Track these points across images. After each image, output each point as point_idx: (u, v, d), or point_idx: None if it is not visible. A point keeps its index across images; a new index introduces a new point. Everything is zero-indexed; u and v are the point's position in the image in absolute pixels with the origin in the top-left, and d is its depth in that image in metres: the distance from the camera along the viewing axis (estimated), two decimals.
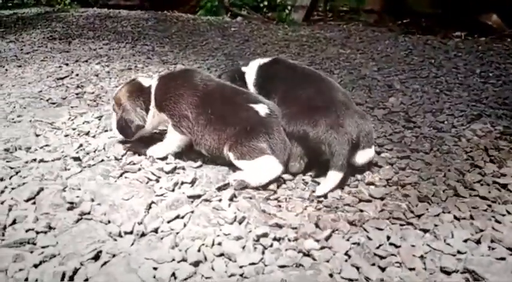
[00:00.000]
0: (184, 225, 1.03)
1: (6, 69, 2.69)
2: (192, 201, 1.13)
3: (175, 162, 1.34)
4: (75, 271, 0.87)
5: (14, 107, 1.91)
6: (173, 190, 1.19)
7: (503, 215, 1.07)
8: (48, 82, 2.38)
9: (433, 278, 0.85)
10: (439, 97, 2.04)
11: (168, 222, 1.04)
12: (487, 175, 1.27)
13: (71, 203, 1.11)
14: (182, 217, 1.06)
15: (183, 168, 1.31)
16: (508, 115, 1.78)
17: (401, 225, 1.04)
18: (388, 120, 1.73)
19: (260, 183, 1.20)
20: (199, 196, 1.14)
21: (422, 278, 0.85)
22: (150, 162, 1.35)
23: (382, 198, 1.15)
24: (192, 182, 1.23)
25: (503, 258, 0.90)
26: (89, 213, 1.07)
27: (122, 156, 1.39)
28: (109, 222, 1.04)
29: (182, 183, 1.22)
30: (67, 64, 2.84)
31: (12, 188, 1.20)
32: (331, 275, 0.86)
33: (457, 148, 1.47)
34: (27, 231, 1.01)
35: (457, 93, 2.09)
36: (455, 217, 1.06)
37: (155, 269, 0.88)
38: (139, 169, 1.31)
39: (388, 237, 0.98)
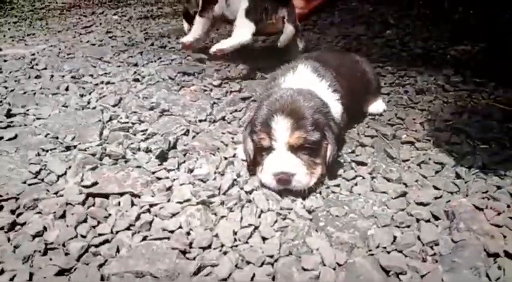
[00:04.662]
0: (244, 114, 1.37)
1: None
2: (245, 101, 1.46)
3: (221, 79, 1.66)
4: (176, 141, 1.20)
5: (60, 49, 2.17)
6: (226, 95, 1.52)
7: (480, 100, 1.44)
8: (77, 30, 2.61)
9: (430, 133, 1.21)
10: (427, 28, 2.36)
11: (231, 113, 1.37)
12: (467, 77, 1.62)
13: (151, 104, 1.43)
14: (240, 110, 1.39)
15: (230, 81, 1.64)
16: (485, 40, 2.12)
17: (404, 107, 1.39)
18: (386, 46, 2.06)
19: None
20: (249, 97, 1.48)
21: (422, 134, 1.21)
22: (199, 79, 1.67)
23: (388, 94, 1.50)
24: (240, 90, 1.56)
25: None
26: (168, 110, 1.39)
27: (175, 76, 1.70)
28: (185, 115, 1.37)
29: (231, 91, 1.55)
30: (85, 16, 3.05)
31: (97, 99, 1.50)
32: (358, 134, 1.22)
33: (444, 62, 1.82)
34: (123, 123, 1.33)
35: (444, 26, 2.42)
36: (443, 102, 1.42)
37: (232, 137, 1.22)
38: (193, 84, 1.62)
39: (396, 114, 1.34)
